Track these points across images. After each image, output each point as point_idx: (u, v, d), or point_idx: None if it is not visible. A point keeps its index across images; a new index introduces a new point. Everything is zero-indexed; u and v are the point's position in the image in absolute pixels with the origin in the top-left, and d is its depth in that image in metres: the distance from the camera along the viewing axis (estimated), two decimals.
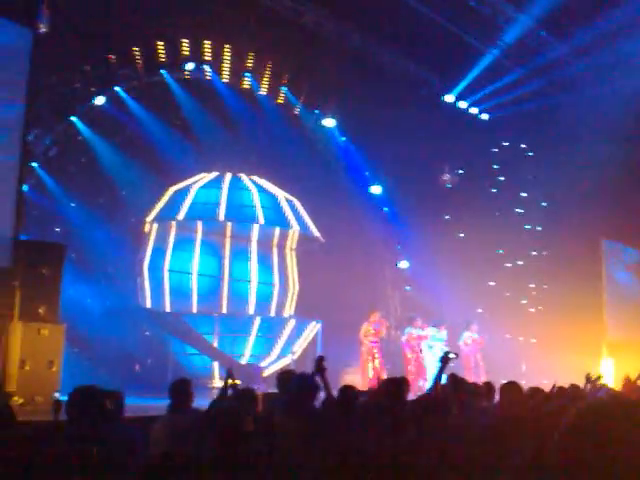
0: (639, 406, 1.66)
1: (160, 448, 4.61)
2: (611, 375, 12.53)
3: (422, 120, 14.53)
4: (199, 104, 13.94)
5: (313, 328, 13.14)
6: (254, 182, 13.77)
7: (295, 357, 12.78)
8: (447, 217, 16.54)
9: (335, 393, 5.05)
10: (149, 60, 13.34)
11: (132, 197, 13.22)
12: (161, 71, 13.59)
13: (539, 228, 16.95)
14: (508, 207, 17.09)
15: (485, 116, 16.48)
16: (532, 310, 16.55)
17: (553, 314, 15.13)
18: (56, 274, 9.15)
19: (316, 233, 13.69)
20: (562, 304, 14.63)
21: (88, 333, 10.73)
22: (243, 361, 12.37)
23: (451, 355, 5.52)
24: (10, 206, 9.06)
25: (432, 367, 11.78)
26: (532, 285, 16.77)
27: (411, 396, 5.45)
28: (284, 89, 14.96)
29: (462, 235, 16.34)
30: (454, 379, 5.95)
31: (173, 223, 13.09)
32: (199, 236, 13.14)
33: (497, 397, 5.81)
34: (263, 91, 14.76)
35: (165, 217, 13.14)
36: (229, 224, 13.13)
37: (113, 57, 12.88)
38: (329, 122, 15.53)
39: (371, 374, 11.90)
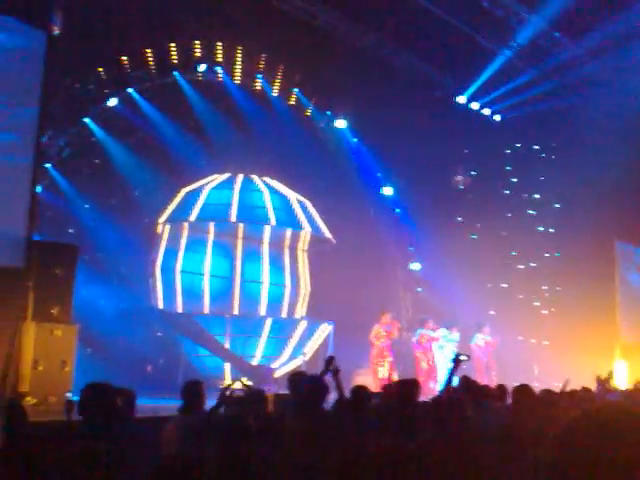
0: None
1: (172, 449, 4.63)
2: (624, 378, 12.44)
3: (434, 121, 14.52)
4: (211, 105, 13.98)
5: (325, 329, 13.13)
6: (266, 183, 13.79)
7: (306, 358, 12.78)
8: (459, 219, 16.51)
9: (347, 394, 5.06)
10: (162, 62, 13.40)
11: (145, 198, 13.28)
12: (174, 73, 13.65)
13: (552, 230, 16.87)
14: (521, 209, 17.03)
15: (497, 117, 16.43)
16: (545, 312, 16.46)
17: (566, 316, 15.05)
18: (69, 275, 9.21)
19: (328, 234, 13.69)
20: (575, 306, 14.54)
21: (101, 334, 10.78)
22: (254, 362, 12.39)
23: (462, 357, 5.50)
24: (24, 207, 9.12)
25: (443, 369, 11.74)
26: (545, 287, 16.69)
27: (422, 398, 5.43)
28: (296, 90, 14.98)
29: (474, 237, 16.30)
30: (466, 381, 5.93)
31: (185, 224, 13.13)
32: (211, 237, 13.18)
33: (509, 400, 5.79)
34: (275, 92, 14.79)
35: (177, 218, 13.19)
36: (241, 225, 13.16)
37: (126, 59, 12.95)
38: (341, 123, 15.54)
39: (382, 376, 11.88)
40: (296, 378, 5.68)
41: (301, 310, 13.84)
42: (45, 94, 9.65)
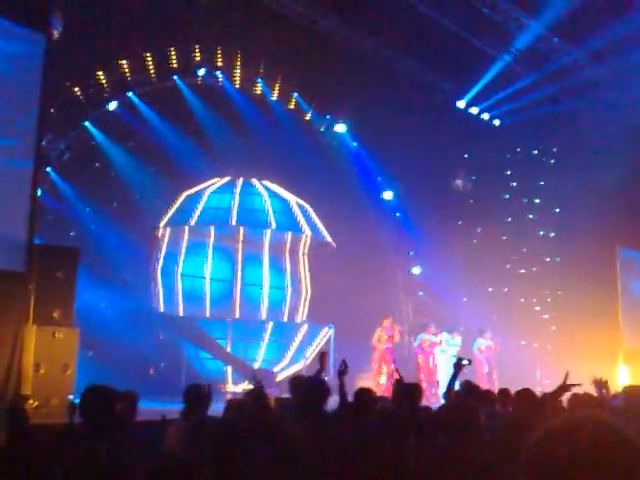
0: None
1: (174, 453, 4.62)
2: (627, 383, 12.41)
3: (434, 126, 14.54)
4: (211, 109, 14.00)
5: (326, 333, 13.13)
6: (266, 187, 13.80)
7: (308, 362, 12.77)
8: (459, 223, 16.52)
9: (349, 398, 5.03)
10: (161, 66, 13.42)
11: (145, 202, 13.28)
12: (173, 77, 13.67)
13: (552, 234, 16.87)
14: (521, 213, 17.03)
15: (497, 122, 16.46)
16: (546, 317, 16.45)
17: (567, 321, 15.02)
18: (70, 278, 9.21)
19: (328, 238, 13.70)
20: (576, 311, 14.51)
21: (102, 337, 10.77)
22: (256, 366, 12.38)
23: (464, 362, 5.48)
24: (25, 211, 9.11)
25: (445, 374, 11.73)
26: (546, 292, 16.68)
27: (423, 403, 5.42)
28: (295, 95, 15.00)
29: (475, 241, 16.30)
30: (468, 386, 5.93)
31: (186, 228, 13.14)
32: (211, 241, 13.19)
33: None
34: (275, 97, 14.82)
35: (178, 222, 13.19)
36: (241, 229, 13.17)
37: (126, 63, 12.97)
38: (340, 127, 15.57)
39: (384, 380, 11.86)
40: (297, 381, 5.66)
41: (302, 314, 13.84)
42: (45, 98, 9.66)
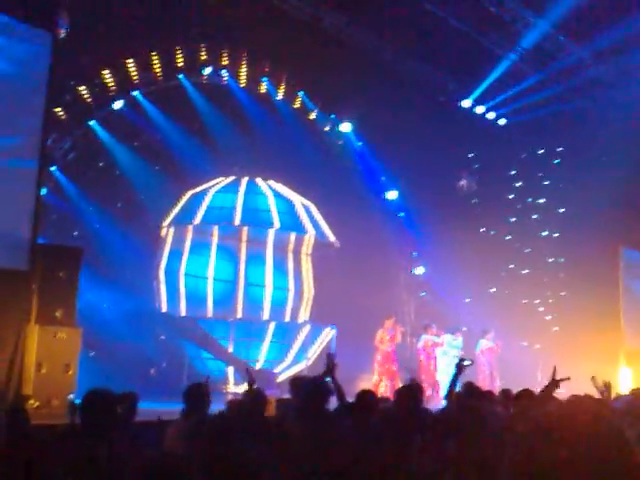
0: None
1: (174, 452, 4.62)
2: (629, 385, 12.35)
3: (438, 125, 14.51)
4: (216, 109, 14.01)
5: (328, 334, 13.12)
6: (270, 187, 13.80)
7: (310, 363, 12.76)
8: (463, 223, 16.47)
9: (347, 398, 5.02)
10: (167, 65, 13.43)
11: (150, 201, 13.30)
12: (179, 76, 13.68)
13: (556, 235, 16.81)
14: (525, 213, 16.98)
15: (502, 121, 16.40)
16: (548, 318, 16.39)
17: (570, 322, 14.97)
18: (73, 277, 9.21)
19: (332, 238, 13.69)
20: (579, 312, 14.47)
21: (104, 337, 10.79)
22: (258, 366, 12.38)
23: (466, 362, 5.46)
24: (29, 210, 9.14)
25: (446, 375, 11.70)
26: (549, 292, 16.62)
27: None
28: (301, 94, 15.00)
29: (478, 241, 16.25)
30: (469, 387, 5.91)
31: (189, 227, 13.15)
32: (215, 240, 13.19)
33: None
34: (280, 96, 14.81)
35: (181, 221, 13.21)
36: (245, 229, 13.17)
37: (131, 62, 12.98)
38: (345, 127, 15.56)
39: (385, 381, 11.83)
40: (297, 382, 5.65)
41: (304, 314, 13.83)
42: (50, 97, 9.68)
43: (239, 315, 12.89)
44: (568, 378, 5.27)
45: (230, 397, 9.35)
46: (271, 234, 13.29)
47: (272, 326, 12.63)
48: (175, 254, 13.15)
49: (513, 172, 17.07)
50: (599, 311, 14.11)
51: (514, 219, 16.86)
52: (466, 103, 15.65)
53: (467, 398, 5.40)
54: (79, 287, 9.29)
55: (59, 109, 11.92)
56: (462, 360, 5.53)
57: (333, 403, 4.80)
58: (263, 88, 14.67)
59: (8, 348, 8.37)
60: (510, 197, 17.06)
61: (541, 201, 17.05)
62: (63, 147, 12.47)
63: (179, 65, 13.56)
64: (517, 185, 17.10)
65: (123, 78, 13.05)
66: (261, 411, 4.80)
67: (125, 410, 4.70)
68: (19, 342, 8.45)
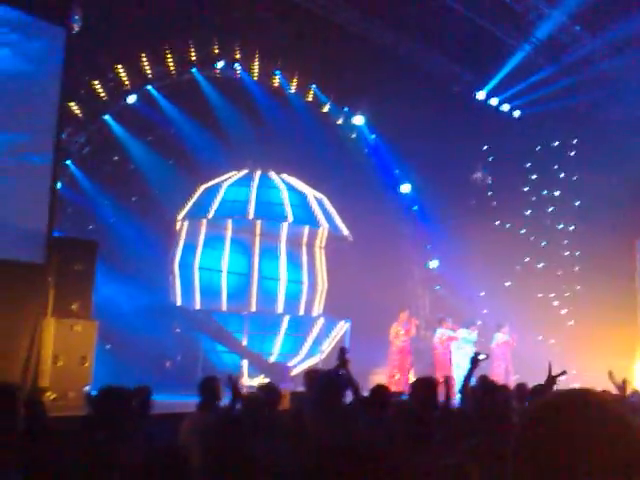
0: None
1: (189, 445, 4.65)
2: None
3: (453, 117, 14.42)
4: (229, 102, 14.01)
5: (342, 327, 13.13)
6: (283, 180, 13.80)
7: (324, 356, 12.78)
8: (478, 216, 16.38)
9: (363, 392, 5.02)
10: (180, 59, 13.45)
11: (164, 195, 13.35)
12: (192, 70, 13.69)
13: (572, 227, 16.68)
14: (540, 206, 16.85)
15: (517, 113, 16.28)
16: (564, 312, 16.29)
17: (585, 316, 14.85)
18: (89, 271, 9.29)
19: (345, 232, 13.67)
20: (595, 306, 14.35)
21: (120, 330, 10.86)
22: (272, 359, 12.42)
23: (481, 356, 5.45)
24: (45, 203, 9.21)
25: (461, 369, 11.66)
26: (564, 286, 16.51)
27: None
28: (313, 87, 14.97)
29: (493, 235, 16.16)
30: (484, 381, 5.89)
31: (203, 221, 13.19)
32: (229, 234, 13.22)
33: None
34: (293, 89, 14.79)
35: (195, 215, 13.25)
36: (258, 222, 13.18)
37: (145, 56, 13.01)
38: (358, 120, 15.51)
39: (398, 376, 11.82)
40: (312, 375, 5.66)
41: (318, 308, 13.84)
42: (65, 92, 9.73)
43: (253, 308, 12.92)
44: (564, 372, 5.24)
45: (245, 390, 9.37)
46: (284, 227, 13.30)
47: (286, 319, 12.66)
48: (189, 248, 13.19)
49: (528, 164, 16.93)
50: (615, 305, 13.98)
51: (529, 212, 16.74)
52: (480, 95, 15.55)
53: (484, 392, 5.38)
54: (95, 280, 9.36)
55: (74, 104, 11.97)
56: (477, 354, 5.52)
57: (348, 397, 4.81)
58: (276, 81, 14.66)
59: (25, 341, 8.45)
60: (525, 190, 16.93)
61: (556, 194, 16.90)
62: (78, 141, 12.53)
63: (192, 59, 13.57)
64: (532, 177, 16.97)
65: (137, 73, 13.09)
66: (274, 406, 4.81)
67: (139, 403, 4.73)
68: (36, 335, 8.53)
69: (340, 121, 15.71)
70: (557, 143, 16.87)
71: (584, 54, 14.08)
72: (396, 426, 4.06)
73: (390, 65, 13.94)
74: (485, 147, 16.67)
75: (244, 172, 13.84)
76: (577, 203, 16.59)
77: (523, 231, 16.57)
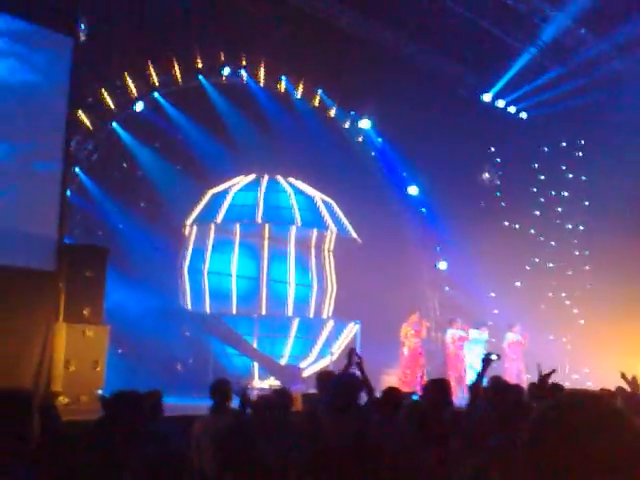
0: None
1: (201, 448, 4.67)
2: None
3: (459, 119, 14.44)
4: (236, 108, 14.07)
5: (352, 329, 13.13)
6: (291, 184, 13.84)
7: (334, 358, 12.79)
8: (486, 217, 16.37)
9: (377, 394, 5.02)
10: (186, 66, 13.53)
11: (172, 201, 13.41)
12: (198, 76, 13.77)
13: (581, 227, 16.65)
14: (549, 206, 16.84)
15: (524, 115, 16.28)
16: (575, 311, 16.24)
17: (597, 315, 14.81)
18: (99, 276, 9.36)
19: (353, 234, 13.68)
20: (606, 305, 14.31)
21: (131, 334, 10.92)
22: (283, 362, 12.44)
23: (493, 356, 5.42)
24: (55, 211, 9.29)
25: (471, 370, 11.65)
26: (575, 285, 16.47)
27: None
28: (320, 91, 15.01)
29: (502, 235, 16.14)
30: (496, 381, 5.88)
31: (212, 226, 13.23)
32: (237, 238, 13.26)
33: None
34: (299, 94, 14.84)
35: (204, 220, 13.29)
36: (267, 226, 13.21)
37: (151, 64, 13.09)
38: (365, 123, 15.54)
39: (410, 377, 11.82)
40: (324, 377, 5.67)
41: (328, 310, 13.85)
42: (73, 100, 9.81)
43: (263, 311, 12.95)
44: (554, 371, 5.23)
45: (256, 393, 9.39)
46: (293, 231, 13.32)
47: (296, 322, 12.68)
48: (198, 252, 13.24)
49: (536, 165, 16.92)
50: (626, 304, 13.94)
51: (538, 212, 16.72)
52: (487, 97, 15.56)
53: (495, 392, 5.37)
54: (105, 286, 9.42)
55: (82, 112, 12.06)
56: (489, 354, 5.50)
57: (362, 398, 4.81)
58: (282, 87, 14.71)
59: (37, 347, 8.52)
60: (534, 190, 16.91)
61: (565, 194, 16.89)
62: (86, 149, 12.60)
63: (198, 66, 13.64)
64: (540, 178, 16.96)
65: (144, 80, 13.17)
66: (287, 408, 4.83)
67: (150, 407, 4.76)
68: (47, 340, 8.60)
69: (347, 125, 15.74)
70: (564, 144, 16.86)
71: (590, 55, 14.09)
72: (409, 427, 4.06)
73: (396, 68, 13.98)
74: (492, 149, 16.67)
75: (252, 177, 13.88)
76: (586, 203, 16.58)
77: (532, 231, 16.55)
